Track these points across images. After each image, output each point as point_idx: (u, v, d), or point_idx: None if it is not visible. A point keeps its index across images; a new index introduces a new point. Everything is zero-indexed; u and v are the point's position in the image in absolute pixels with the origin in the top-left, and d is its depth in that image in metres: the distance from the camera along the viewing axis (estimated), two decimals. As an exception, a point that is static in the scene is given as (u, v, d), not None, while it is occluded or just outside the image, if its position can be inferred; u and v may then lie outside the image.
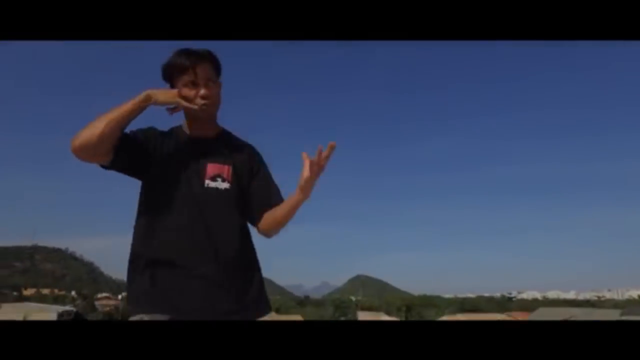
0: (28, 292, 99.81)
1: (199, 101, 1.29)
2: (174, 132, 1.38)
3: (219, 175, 1.30)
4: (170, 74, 1.32)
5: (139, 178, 1.32)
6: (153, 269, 1.21)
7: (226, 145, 1.38)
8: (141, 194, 1.31)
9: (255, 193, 1.37)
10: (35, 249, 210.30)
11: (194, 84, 1.29)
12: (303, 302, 66.56)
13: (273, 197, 1.39)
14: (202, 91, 1.29)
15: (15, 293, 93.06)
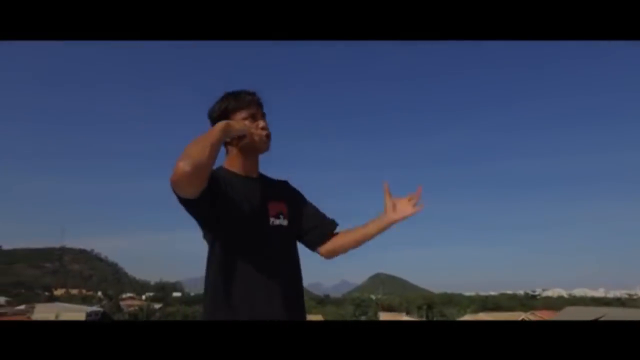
0: (58, 292, 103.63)
1: (261, 132, 1.34)
2: (222, 171, 1.36)
3: (280, 213, 1.35)
4: (228, 112, 1.33)
5: (207, 218, 1.27)
6: (235, 303, 1.23)
7: (272, 183, 1.44)
8: (213, 234, 1.29)
9: (313, 223, 1.46)
10: (64, 250, 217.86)
11: (254, 118, 1.34)
12: (323, 301, 66.91)
13: (329, 225, 1.50)
14: (262, 123, 1.35)
15: (46, 293, 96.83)
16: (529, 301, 63.51)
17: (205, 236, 1.32)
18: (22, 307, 55.02)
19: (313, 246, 1.49)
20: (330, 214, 1.53)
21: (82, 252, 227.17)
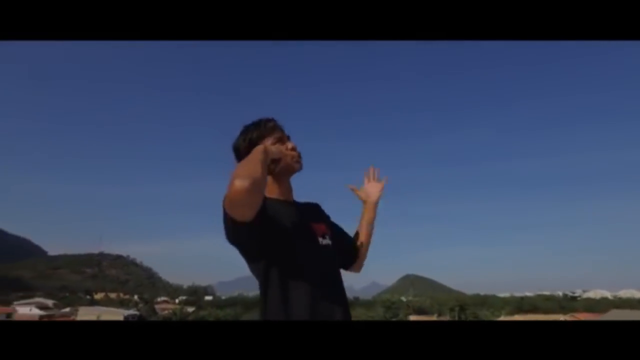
0: (98, 296, 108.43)
1: (293, 152, 1.36)
2: (269, 197, 1.38)
3: (325, 233, 1.39)
4: (254, 142, 1.33)
5: (261, 244, 1.23)
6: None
7: (308, 206, 1.48)
8: (267, 261, 1.25)
9: (344, 245, 1.52)
10: (102, 256, 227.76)
11: (282, 141, 1.37)
12: (353, 303, 66.44)
13: (355, 245, 1.59)
14: (291, 144, 1.38)
15: (88, 297, 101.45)
16: (568, 303, 60.48)
17: (253, 269, 1.29)
18: (67, 309, 58.03)
19: (347, 266, 1.56)
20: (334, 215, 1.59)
21: (119, 257, 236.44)
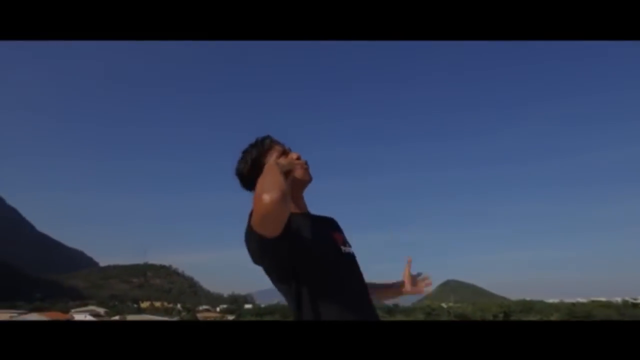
0: (144, 304, 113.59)
1: (301, 162, 1.34)
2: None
3: (345, 241, 1.38)
4: (257, 162, 1.34)
5: (289, 259, 1.21)
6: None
7: (323, 218, 1.45)
8: (297, 276, 1.22)
9: None
10: (147, 266, 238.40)
11: (285, 153, 1.36)
12: (392, 310, 65.18)
13: None
14: (295, 154, 1.36)
15: (135, 305, 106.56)
16: (628, 310, 55.90)
17: (281, 288, 1.26)
18: (117, 317, 61.19)
19: None
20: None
21: (163, 267, 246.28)
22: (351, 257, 1.34)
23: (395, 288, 1.64)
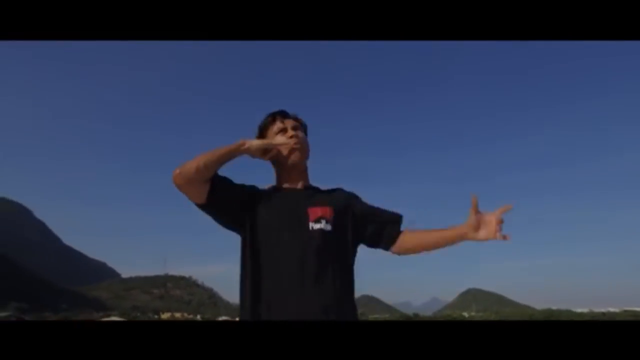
0: (164, 315, 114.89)
1: (290, 141, 1.38)
2: (266, 189, 1.45)
3: (322, 217, 1.31)
4: (262, 132, 1.45)
5: (232, 227, 1.37)
6: (269, 301, 1.25)
7: (320, 192, 1.45)
8: (244, 246, 1.33)
9: (373, 226, 1.40)
10: (167, 277, 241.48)
11: (284, 130, 1.41)
12: (412, 320, 64.10)
13: (392, 226, 1.42)
14: (291, 132, 1.40)
15: (156, 316, 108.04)
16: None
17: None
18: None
19: (377, 246, 1.43)
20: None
21: (182, 278, 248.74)
22: (321, 234, 1.28)
23: (454, 234, 1.29)
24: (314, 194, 1.41)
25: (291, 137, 1.39)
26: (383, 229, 1.40)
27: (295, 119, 1.46)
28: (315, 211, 1.32)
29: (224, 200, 1.31)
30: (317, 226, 1.29)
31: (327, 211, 1.33)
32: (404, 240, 1.40)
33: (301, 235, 1.28)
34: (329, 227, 1.31)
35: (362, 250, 1.43)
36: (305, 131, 1.48)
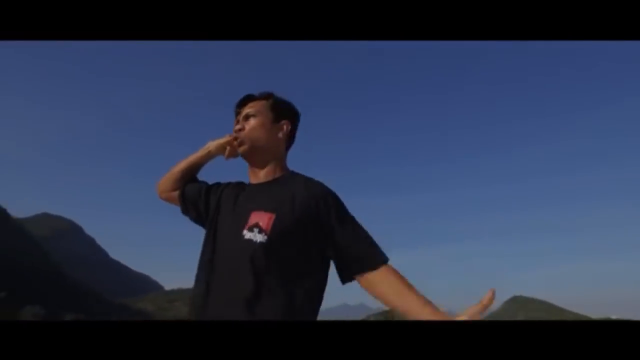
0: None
1: (227, 138, 1.30)
2: (241, 183, 1.33)
3: (256, 226, 1.10)
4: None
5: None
6: (194, 303, 1.17)
7: (280, 190, 1.17)
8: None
9: (340, 251, 1.11)
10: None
11: (238, 122, 1.28)
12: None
13: (362, 263, 1.10)
14: (236, 127, 1.27)
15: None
16: None
17: None
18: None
19: (341, 274, 1.14)
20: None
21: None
22: (250, 245, 1.08)
23: (441, 314, 1.00)
24: (270, 192, 1.18)
25: (234, 130, 1.27)
26: (342, 262, 1.12)
27: (254, 101, 1.28)
28: (256, 216, 1.11)
29: (193, 207, 1.33)
30: (248, 235, 1.09)
31: (267, 219, 1.09)
32: (372, 282, 1.08)
33: (235, 244, 1.10)
34: (261, 238, 1.08)
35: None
36: (277, 112, 1.27)
